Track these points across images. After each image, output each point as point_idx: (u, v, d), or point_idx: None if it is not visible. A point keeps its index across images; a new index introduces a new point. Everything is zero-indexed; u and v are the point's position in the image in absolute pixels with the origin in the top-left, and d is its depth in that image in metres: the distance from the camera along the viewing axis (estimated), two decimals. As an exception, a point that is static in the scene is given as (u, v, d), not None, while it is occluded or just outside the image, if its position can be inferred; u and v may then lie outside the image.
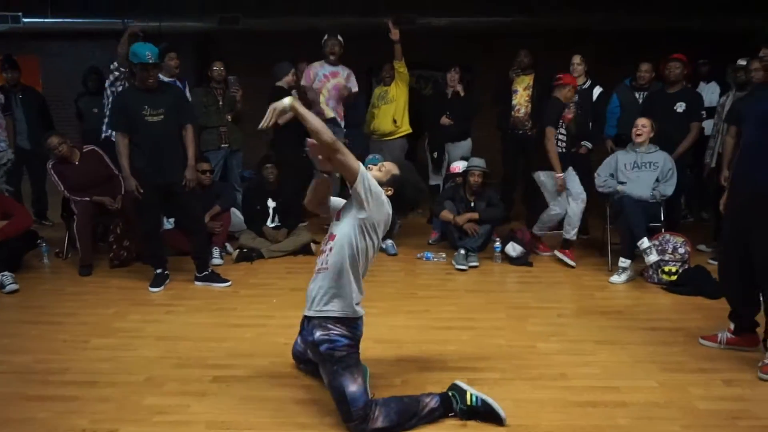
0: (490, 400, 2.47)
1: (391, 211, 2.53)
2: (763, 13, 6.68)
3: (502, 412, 2.44)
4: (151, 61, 3.85)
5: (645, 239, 4.19)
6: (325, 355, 2.45)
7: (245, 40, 7.87)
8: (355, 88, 5.58)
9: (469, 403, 2.48)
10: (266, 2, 7.31)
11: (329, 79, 5.44)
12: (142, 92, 3.95)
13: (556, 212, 4.77)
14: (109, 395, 2.70)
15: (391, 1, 6.80)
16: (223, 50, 7.46)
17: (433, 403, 2.48)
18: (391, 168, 2.64)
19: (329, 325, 2.48)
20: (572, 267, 4.68)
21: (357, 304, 2.54)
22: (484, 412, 2.47)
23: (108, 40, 6.86)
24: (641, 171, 4.50)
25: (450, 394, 2.53)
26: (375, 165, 5.16)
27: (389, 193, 2.56)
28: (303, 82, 5.48)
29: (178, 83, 5.29)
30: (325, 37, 5.46)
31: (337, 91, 5.46)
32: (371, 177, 2.44)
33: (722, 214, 3.27)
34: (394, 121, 5.79)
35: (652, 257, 4.18)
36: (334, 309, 2.49)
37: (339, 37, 5.44)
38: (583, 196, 4.74)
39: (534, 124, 5.44)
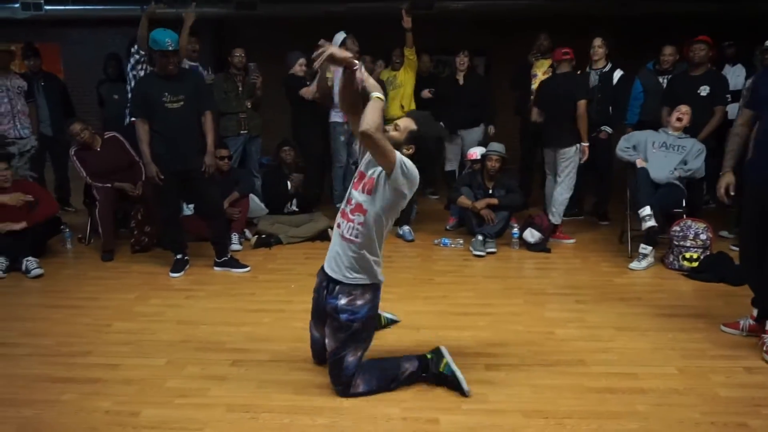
0: (459, 376, 2.58)
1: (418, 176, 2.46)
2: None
3: (466, 387, 2.56)
4: (171, 48, 3.86)
5: (648, 207, 4.16)
6: (344, 324, 2.51)
7: (263, 26, 7.86)
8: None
9: (441, 369, 2.61)
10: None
11: None
12: (162, 79, 3.97)
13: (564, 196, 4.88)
14: (131, 378, 2.75)
15: (409, -14, 6.74)
16: (241, 36, 7.48)
17: (412, 367, 2.62)
18: (407, 124, 2.55)
19: (356, 293, 2.52)
20: (572, 243, 4.93)
21: (380, 269, 2.58)
22: (451, 383, 2.60)
23: (128, 27, 6.90)
24: (668, 151, 4.43)
25: (429, 356, 2.66)
26: None
27: (410, 151, 2.52)
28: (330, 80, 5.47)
29: (200, 68, 5.33)
30: (344, 36, 5.44)
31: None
32: (406, 160, 2.37)
33: (720, 199, 3.26)
34: (402, 107, 5.79)
35: (650, 223, 4.14)
36: (362, 277, 2.53)
37: (354, 39, 5.47)
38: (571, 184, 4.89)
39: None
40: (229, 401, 2.55)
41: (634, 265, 4.29)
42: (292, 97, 5.53)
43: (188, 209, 4.97)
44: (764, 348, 2.88)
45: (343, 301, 2.51)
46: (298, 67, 5.48)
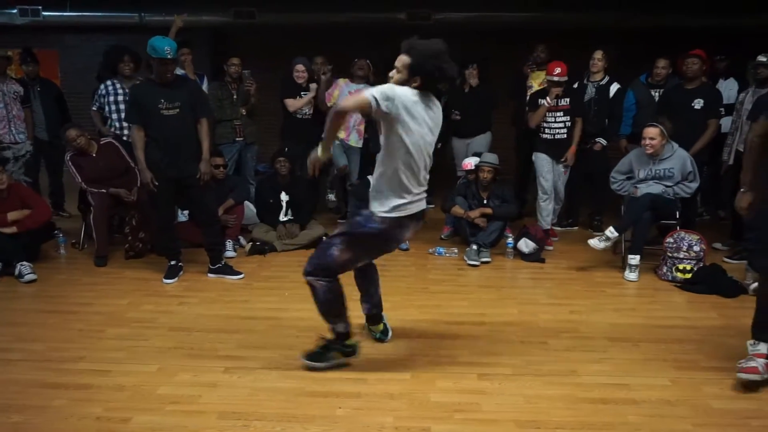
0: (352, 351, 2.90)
1: (412, 98, 2.53)
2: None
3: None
4: (169, 57, 3.87)
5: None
6: (353, 222, 2.80)
7: (262, 35, 7.89)
8: None
9: (351, 343, 2.91)
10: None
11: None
12: (158, 86, 3.98)
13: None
14: (123, 384, 2.74)
15: (407, -2, 6.81)
16: (239, 44, 7.50)
17: (344, 328, 2.86)
18: (404, 60, 2.58)
19: (374, 213, 2.68)
20: (556, 241, 5.17)
21: (397, 207, 2.65)
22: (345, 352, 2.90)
23: (125, 34, 6.93)
24: (656, 183, 4.45)
25: (368, 328, 3.09)
26: None
27: (417, 84, 2.56)
28: (324, 93, 5.47)
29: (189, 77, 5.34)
30: (356, 60, 5.48)
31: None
32: (375, 90, 2.46)
33: (739, 214, 3.17)
34: None
35: (599, 244, 4.32)
36: (376, 204, 2.69)
37: (368, 61, 5.47)
38: (552, 194, 5.09)
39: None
40: (220, 408, 2.54)
41: (627, 275, 4.30)
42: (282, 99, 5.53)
43: (183, 215, 4.97)
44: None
45: (366, 210, 2.70)
46: (295, 73, 5.48)
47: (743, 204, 3.05)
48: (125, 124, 4.94)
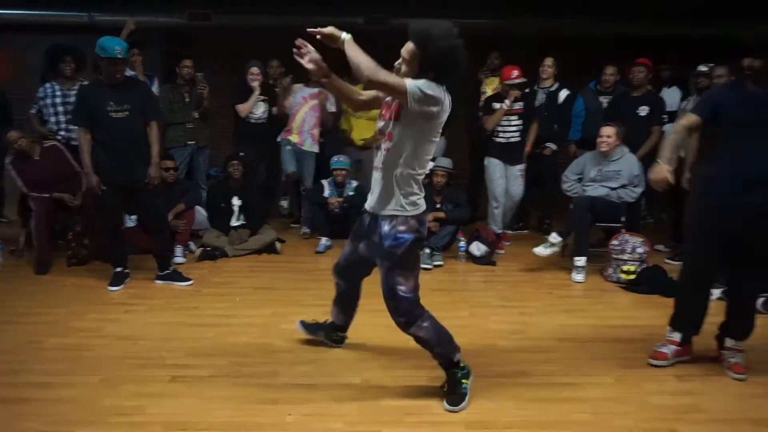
0: (466, 400, 2.62)
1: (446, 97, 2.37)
2: (722, 22, 6.87)
3: (458, 408, 2.59)
4: (120, 56, 3.78)
5: (556, 234, 4.49)
6: (387, 251, 2.49)
7: (217, 36, 7.77)
8: (333, 108, 5.53)
9: (462, 380, 2.65)
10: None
11: (307, 101, 5.38)
12: (107, 87, 3.87)
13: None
14: (64, 397, 2.64)
15: (364, 1, 6.80)
16: (194, 46, 7.37)
17: (457, 356, 2.66)
18: (414, 51, 2.33)
19: (395, 222, 2.48)
20: (508, 245, 5.24)
21: (415, 203, 2.50)
22: (454, 395, 2.63)
23: (74, 34, 6.70)
24: (604, 182, 4.59)
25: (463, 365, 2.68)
26: (340, 167, 5.09)
27: (429, 78, 2.32)
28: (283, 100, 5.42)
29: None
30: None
31: (315, 112, 5.41)
32: (419, 83, 2.26)
33: (679, 217, 3.23)
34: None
35: (545, 251, 4.46)
36: (396, 209, 2.48)
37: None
38: (503, 199, 5.14)
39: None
40: (166, 419, 2.48)
41: (575, 277, 4.41)
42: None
43: (131, 221, 4.84)
44: (726, 365, 2.96)
45: (385, 228, 2.49)
46: (250, 76, 5.41)
47: (655, 176, 2.86)
48: (64, 127, 4.80)
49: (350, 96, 2.60)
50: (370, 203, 2.60)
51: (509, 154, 5.14)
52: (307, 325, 3.20)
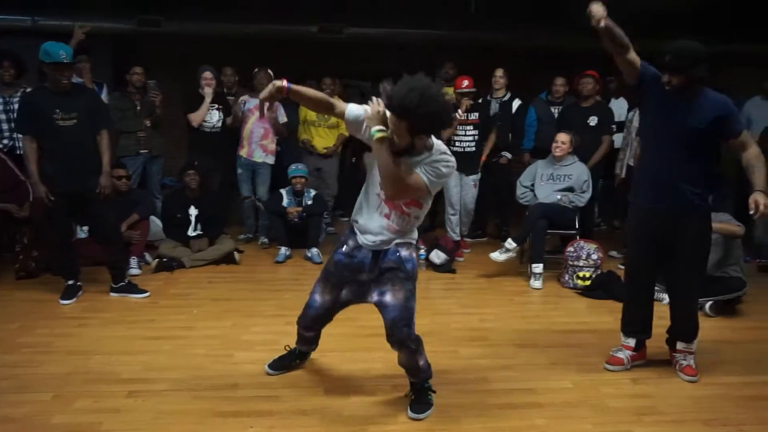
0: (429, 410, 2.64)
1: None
2: (665, 36, 7.16)
3: (422, 416, 2.61)
4: (65, 61, 3.66)
5: (511, 240, 4.60)
6: (410, 274, 2.53)
7: (168, 44, 7.62)
8: (283, 119, 5.48)
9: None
10: (191, 5, 7.11)
11: (253, 112, 5.27)
12: (53, 94, 3.74)
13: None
14: (12, 416, 2.53)
15: (319, 10, 6.80)
16: (144, 53, 7.20)
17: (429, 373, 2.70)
18: (400, 124, 2.23)
19: (411, 248, 2.58)
20: (467, 253, 5.36)
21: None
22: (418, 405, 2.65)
23: (16, 39, 6.46)
24: (554, 183, 4.75)
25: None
26: (299, 175, 5.05)
27: (422, 140, 2.35)
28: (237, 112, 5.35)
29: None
30: (256, 69, 5.36)
31: (264, 123, 5.33)
32: (431, 172, 2.35)
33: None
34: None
35: (500, 257, 4.57)
36: (407, 239, 2.58)
37: (270, 71, 5.31)
38: (459, 207, 5.23)
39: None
40: (123, 435, 2.41)
41: (533, 283, 4.50)
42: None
43: (83, 232, 4.68)
44: (678, 368, 3.06)
45: (404, 253, 2.54)
46: (203, 81, 5.30)
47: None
48: (7, 135, 4.62)
49: (316, 98, 2.56)
50: (370, 241, 2.55)
51: (464, 163, 5.19)
52: (275, 365, 3.02)
